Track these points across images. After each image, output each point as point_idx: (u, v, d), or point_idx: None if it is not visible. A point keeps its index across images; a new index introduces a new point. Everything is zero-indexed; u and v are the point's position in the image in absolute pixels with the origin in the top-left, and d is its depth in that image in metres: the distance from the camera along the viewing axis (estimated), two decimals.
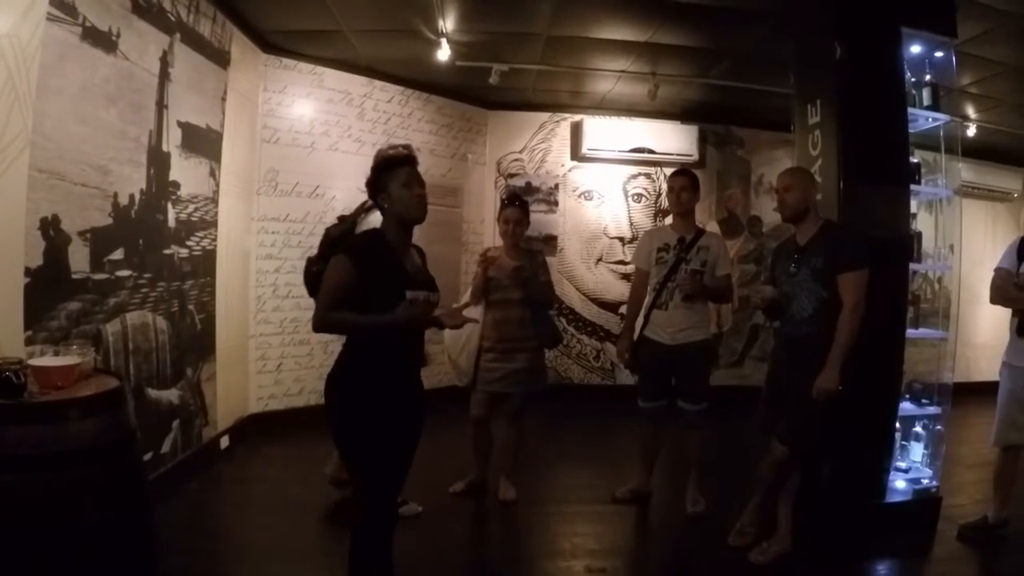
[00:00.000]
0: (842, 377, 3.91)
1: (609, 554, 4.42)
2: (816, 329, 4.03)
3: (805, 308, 4.09)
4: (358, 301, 3.06)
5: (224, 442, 5.92)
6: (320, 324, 3.15)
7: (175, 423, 5.01)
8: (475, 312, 5.03)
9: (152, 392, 4.73)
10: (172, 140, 4.90)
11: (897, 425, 4.73)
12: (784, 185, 4.19)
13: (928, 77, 4.82)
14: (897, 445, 4.78)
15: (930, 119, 4.89)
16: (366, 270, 3.08)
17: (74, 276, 3.90)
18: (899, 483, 4.77)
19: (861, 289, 3.93)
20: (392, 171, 3.23)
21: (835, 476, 4.55)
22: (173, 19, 4.79)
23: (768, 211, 8.79)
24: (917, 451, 4.89)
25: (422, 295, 3.16)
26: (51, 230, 3.66)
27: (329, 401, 3.20)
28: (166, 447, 4.91)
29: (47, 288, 3.65)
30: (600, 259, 8.81)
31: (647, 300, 5.03)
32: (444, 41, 6.23)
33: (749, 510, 4.38)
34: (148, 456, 4.47)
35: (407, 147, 3.42)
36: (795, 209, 4.16)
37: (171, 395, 4.98)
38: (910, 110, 4.73)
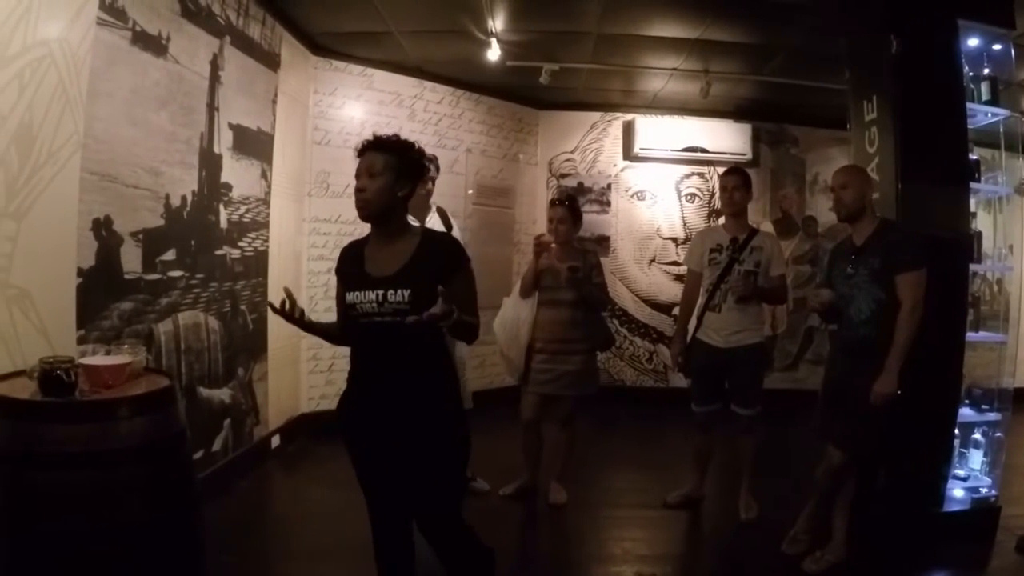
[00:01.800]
0: (900, 381, 3.81)
1: (660, 560, 4.39)
2: (874, 332, 3.92)
3: (863, 310, 3.98)
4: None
5: (275, 441, 5.98)
6: None
7: (226, 422, 5.07)
8: (525, 305, 5.00)
9: (204, 391, 4.79)
10: (223, 142, 4.96)
11: (956, 432, 4.59)
12: (840, 183, 4.08)
13: (986, 71, 4.70)
14: (956, 452, 4.64)
15: (989, 114, 4.74)
16: (341, 277, 3.05)
17: (126, 276, 3.97)
18: (957, 492, 4.63)
19: (920, 290, 3.82)
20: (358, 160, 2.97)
21: (891, 483, 4.44)
22: (223, 22, 4.85)
23: (824, 211, 8.60)
24: (976, 459, 4.73)
25: (368, 296, 2.86)
26: (103, 231, 3.73)
27: None
28: (217, 445, 4.97)
29: (99, 288, 3.72)
30: (653, 260, 8.72)
31: (700, 302, 4.96)
32: (494, 41, 6.22)
33: (803, 517, 4.28)
34: (199, 454, 4.53)
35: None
36: (852, 208, 4.05)
37: (223, 394, 5.04)
38: (968, 105, 4.59)
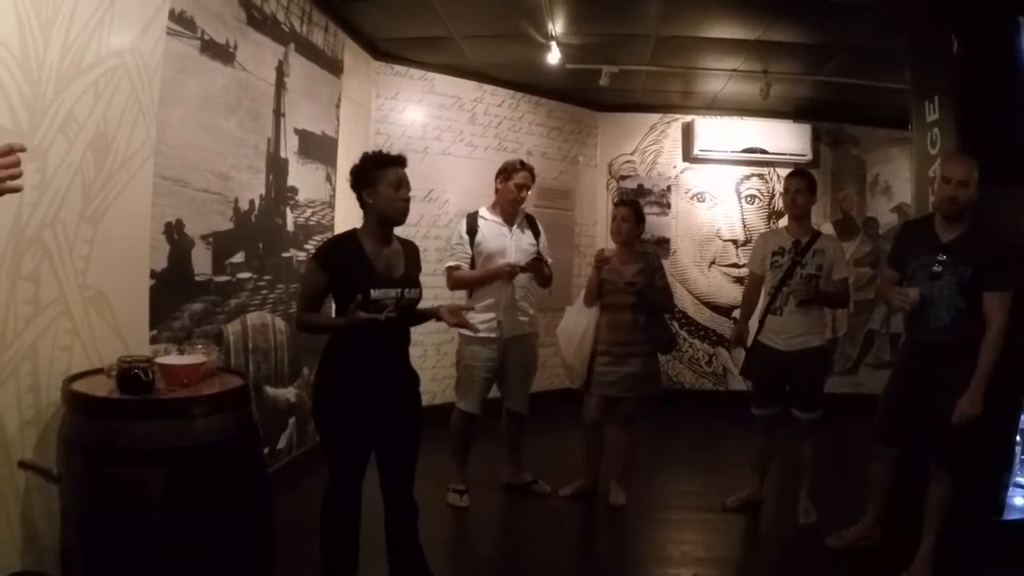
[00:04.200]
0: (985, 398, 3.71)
1: (718, 563, 4.38)
2: (954, 338, 3.80)
3: (943, 317, 3.83)
4: (336, 300, 3.36)
5: None
6: (297, 324, 3.58)
7: (291, 420, 5.18)
8: (588, 314, 5.06)
9: (270, 390, 4.90)
10: (289, 147, 5.07)
11: (1017, 438, 4.45)
12: (963, 179, 3.75)
13: None
14: (1017, 459, 4.50)
15: None
16: (334, 271, 3.31)
17: (197, 278, 4.08)
18: (1018, 500, 4.50)
19: (1007, 311, 3.68)
20: (383, 169, 3.39)
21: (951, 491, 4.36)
22: (287, 30, 4.96)
23: (884, 212, 8.54)
24: None
25: (390, 294, 3.28)
26: (175, 234, 3.84)
27: (313, 391, 3.49)
28: (282, 443, 5.09)
29: (171, 289, 3.84)
30: (713, 262, 8.67)
31: (761, 305, 4.94)
32: (554, 44, 6.25)
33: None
34: (265, 451, 4.60)
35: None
36: (964, 207, 3.81)
37: (288, 393, 5.14)
38: None
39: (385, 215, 3.39)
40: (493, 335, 4.90)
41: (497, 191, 5.04)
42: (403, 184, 3.40)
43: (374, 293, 3.22)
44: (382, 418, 3.39)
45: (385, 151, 3.50)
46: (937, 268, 3.85)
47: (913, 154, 4.90)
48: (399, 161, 3.43)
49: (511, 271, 4.81)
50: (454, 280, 4.98)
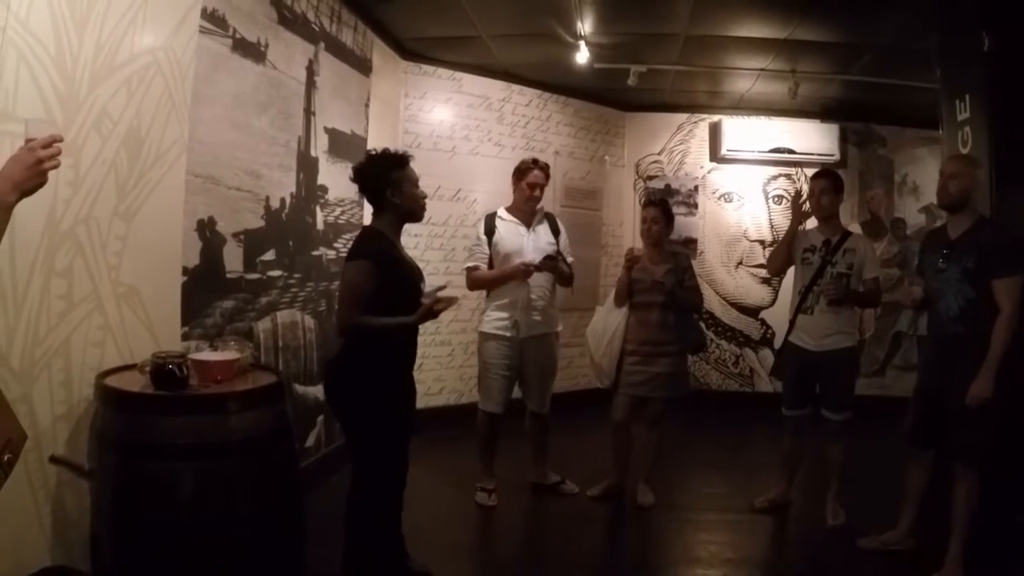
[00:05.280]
0: (996, 384, 3.70)
1: (746, 564, 4.35)
2: (965, 329, 3.85)
3: (952, 307, 3.90)
4: (377, 302, 3.28)
5: None
6: (347, 327, 3.34)
7: (319, 419, 5.19)
8: (618, 314, 5.05)
9: (299, 388, 4.92)
10: (320, 146, 5.09)
11: None
12: (951, 172, 3.96)
13: None
14: None
15: None
16: (386, 273, 3.31)
17: (228, 275, 4.12)
18: None
19: (1018, 295, 3.72)
20: (403, 168, 3.46)
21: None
22: (317, 29, 4.98)
23: (912, 213, 8.44)
24: None
25: (435, 288, 3.51)
26: (207, 231, 3.87)
27: (343, 395, 3.44)
28: (310, 441, 5.10)
29: (203, 286, 3.87)
30: (740, 263, 8.59)
31: (792, 304, 4.91)
32: (582, 44, 6.22)
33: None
34: None
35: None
36: (955, 199, 3.94)
37: (317, 391, 5.13)
38: None
39: (410, 213, 3.52)
40: (509, 334, 4.91)
41: (514, 191, 5.05)
42: (418, 183, 3.54)
43: (423, 288, 3.49)
44: (409, 411, 3.68)
45: (397, 151, 3.54)
46: (942, 263, 3.97)
47: (943, 154, 4.83)
48: (408, 159, 3.52)
49: (526, 270, 4.81)
50: (472, 280, 5.02)
